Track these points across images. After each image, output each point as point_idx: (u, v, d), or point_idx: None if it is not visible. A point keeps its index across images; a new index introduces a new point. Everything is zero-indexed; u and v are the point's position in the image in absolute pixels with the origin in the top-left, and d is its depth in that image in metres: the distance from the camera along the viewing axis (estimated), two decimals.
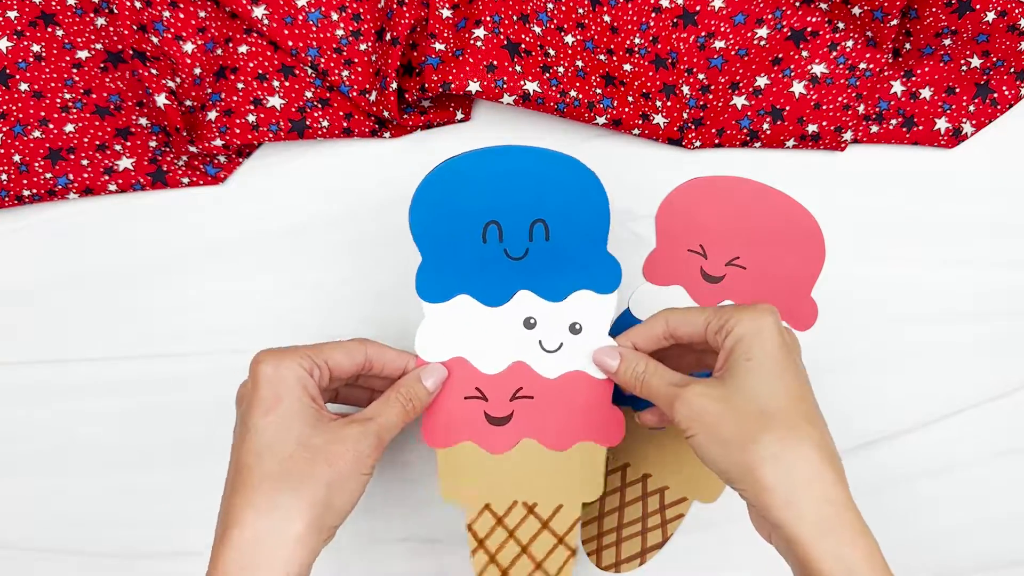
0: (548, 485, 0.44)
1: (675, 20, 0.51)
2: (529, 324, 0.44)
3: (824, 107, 0.50)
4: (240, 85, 0.51)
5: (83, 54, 0.51)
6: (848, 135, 0.50)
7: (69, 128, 0.51)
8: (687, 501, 0.49)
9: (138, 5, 0.48)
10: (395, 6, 0.49)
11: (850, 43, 0.50)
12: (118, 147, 0.52)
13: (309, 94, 0.51)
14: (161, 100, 0.49)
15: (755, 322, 0.37)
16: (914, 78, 0.51)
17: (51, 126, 0.51)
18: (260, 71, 0.51)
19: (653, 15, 0.51)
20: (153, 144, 0.52)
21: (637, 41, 0.51)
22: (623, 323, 0.50)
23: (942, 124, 0.51)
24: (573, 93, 0.49)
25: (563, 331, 0.44)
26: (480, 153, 0.43)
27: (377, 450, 0.39)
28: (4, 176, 0.51)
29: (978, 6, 0.48)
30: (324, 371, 0.40)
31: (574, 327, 0.44)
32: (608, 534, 0.49)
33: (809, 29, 0.50)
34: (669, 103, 0.51)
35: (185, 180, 0.52)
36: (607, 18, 0.51)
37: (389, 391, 0.41)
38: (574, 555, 0.45)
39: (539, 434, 0.45)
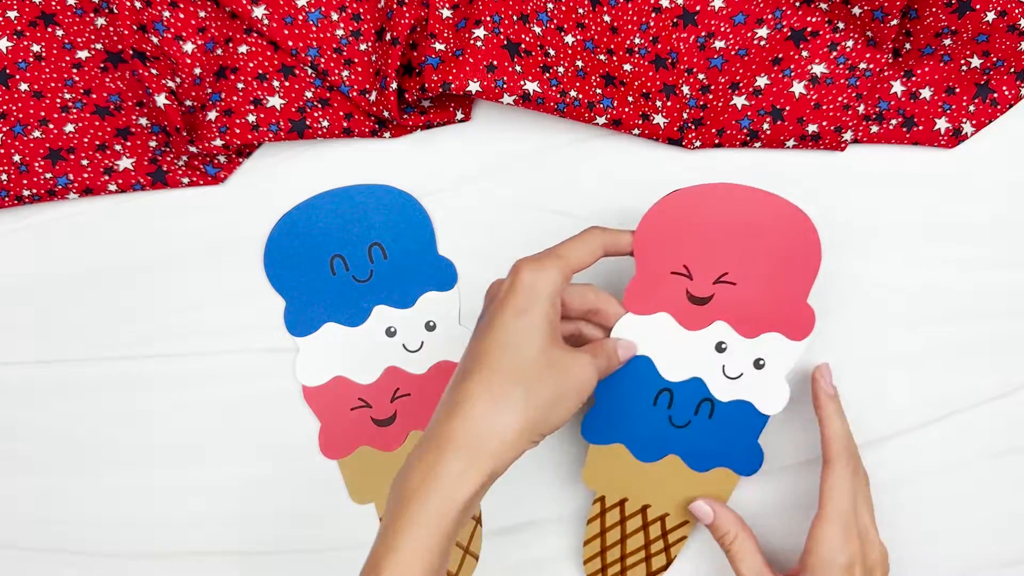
0: None
1: (675, 20, 0.51)
2: (390, 333, 0.50)
3: (824, 107, 0.50)
4: (240, 85, 0.51)
5: (83, 54, 0.51)
6: (848, 135, 0.50)
7: (69, 128, 0.51)
8: (689, 524, 0.49)
9: (138, 5, 0.48)
10: (395, 6, 0.49)
11: (850, 43, 0.50)
12: (118, 147, 0.52)
13: (309, 94, 0.51)
14: (161, 100, 0.49)
15: (832, 557, 0.44)
16: (914, 78, 0.51)
17: (51, 126, 0.51)
18: (260, 71, 0.51)
19: (653, 15, 0.51)
20: (153, 144, 0.52)
21: (637, 41, 0.51)
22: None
23: (942, 124, 0.51)
24: (573, 93, 0.49)
25: (421, 331, 0.50)
26: (309, 202, 0.51)
27: (592, 385, 0.41)
28: (4, 176, 0.51)
29: (978, 6, 0.48)
30: (568, 278, 0.42)
31: (429, 324, 0.50)
32: (612, 565, 0.49)
33: (809, 29, 0.50)
34: (669, 103, 0.51)
35: (185, 180, 0.52)
36: (607, 18, 0.51)
37: (598, 342, 0.44)
38: (479, 523, 0.50)
39: (423, 424, 0.50)
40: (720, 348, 0.47)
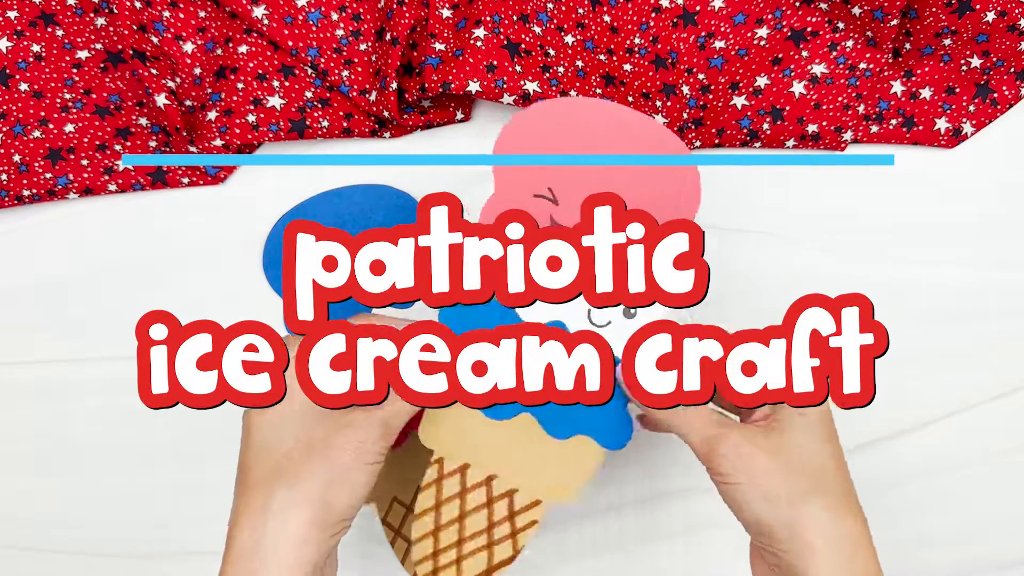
0: None
1: (675, 20, 0.51)
2: None
3: (824, 107, 0.50)
4: (240, 85, 0.51)
5: (83, 54, 0.51)
6: (848, 135, 0.50)
7: (69, 128, 0.51)
8: (540, 505, 0.40)
9: (138, 5, 0.48)
10: (395, 6, 0.49)
11: (850, 43, 0.50)
12: (118, 147, 0.52)
13: (309, 94, 0.51)
14: (161, 100, 0.49)
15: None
16: (914, 78, 0.51)
17: (51, 126, 0.51)
18: (260, 71, 0.51)
19: (653, 15, 0.51)
20: (153, 144, 0.52)
21: (637, 41, 0.51)
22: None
23: (942, 124, 0.51)
24: (573, 93, 0.49)
25: None
26: (308, 202, 0.48)
27: (384, 439, 0.36)
28: (4, 176, 0.51)
29: (978, 6, 0.48)
30: None
31: None
32: (446, 551, 0.40)
33: (809, 29, 0.50)
34: (669, 103, 0.51)
35: (185, 180, 0.52)
36: (607, 18, 0.51)
37: None
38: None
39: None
40: None
